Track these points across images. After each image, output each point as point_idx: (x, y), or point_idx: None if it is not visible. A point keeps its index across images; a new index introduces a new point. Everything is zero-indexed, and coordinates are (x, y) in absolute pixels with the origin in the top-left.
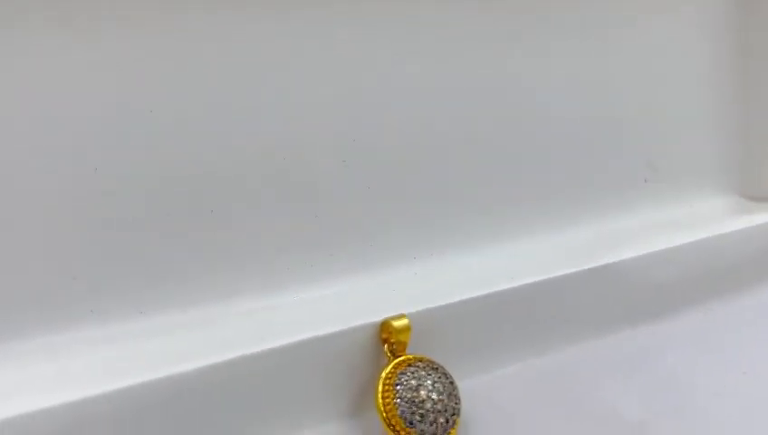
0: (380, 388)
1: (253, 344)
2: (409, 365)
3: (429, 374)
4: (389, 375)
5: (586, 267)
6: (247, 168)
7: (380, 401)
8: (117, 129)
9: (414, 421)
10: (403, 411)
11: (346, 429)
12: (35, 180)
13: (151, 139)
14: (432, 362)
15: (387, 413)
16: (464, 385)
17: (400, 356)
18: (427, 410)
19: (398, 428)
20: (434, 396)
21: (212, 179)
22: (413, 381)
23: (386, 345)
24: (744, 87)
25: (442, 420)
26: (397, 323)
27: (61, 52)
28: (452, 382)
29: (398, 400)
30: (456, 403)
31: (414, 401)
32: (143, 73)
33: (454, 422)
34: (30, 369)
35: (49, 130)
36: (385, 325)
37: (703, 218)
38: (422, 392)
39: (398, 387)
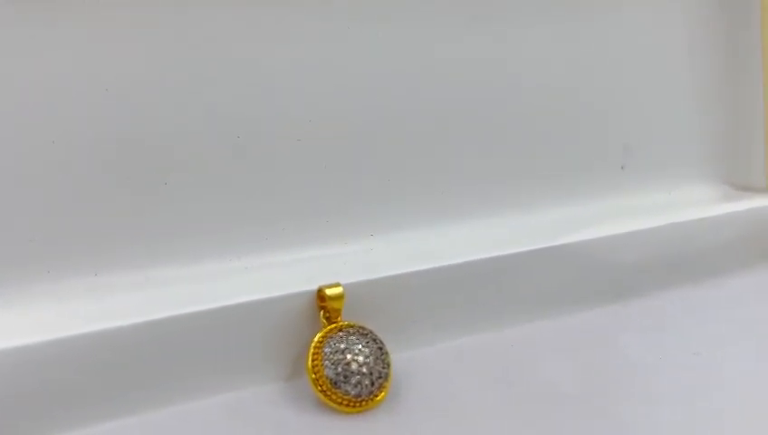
0: (311, 351)
1: (191, 304)
2: (340, 330)
3: (358, 339)
4: (321, 339)
5: (541, 247)
6: (202, 143)
7: (310, 363)
8: (74, 104)
9: (338, 382)
10: (329, 373)
11: (282, 390)
12: None
13: (107, 113)
14: (363, 329)
15: (315, 374)
16: (403, 356)
17: (334, 323)
18: (352, 372)
19: (324, 388)
20: (360, 359)
21: (167, 153)
22: (341, 345)
23: (322, 312)
24: (731, 72)
25: (367, 382)
26: (330, 291)
27: (17, 29)
28: (380, 348)
29: (326, 362)
30: (383, 368)
31: (340, 363)
32: (99, 51)
33: (380, 386)
34: None
35: (9, 105)
36: (320, 293)
37: (679, 205)
38: (348, 356)
39: (327, 350)
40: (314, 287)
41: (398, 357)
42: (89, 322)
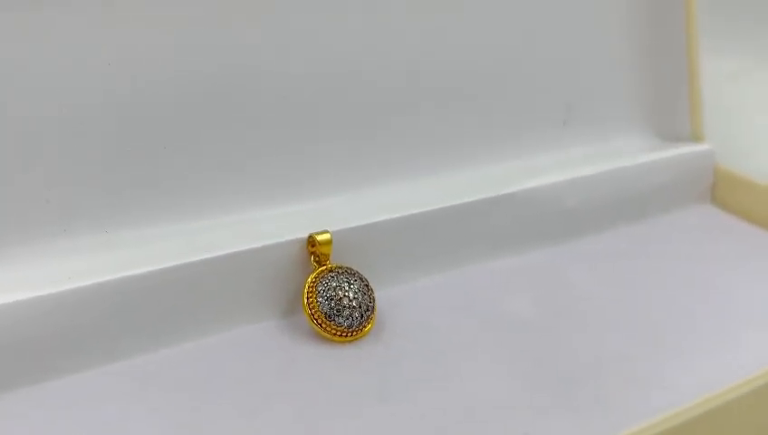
0: (306, 290)
1: (196, 254)
2: (330, 271)
3: (347, 278)
4: (314, 279)
5: (499, 193)
6: (194, 109)
7: (305, 300)
8: (82, 72)
9: (333, 315)
10: (323, 307)
11: (279, 326)
12: (12, 116)
13: (113, 76)
14: (350, 269)
15: (311, 310)
16: (384, 293)
17: (324, 265)
18: (344, 306)
19: (319, 321)
20: (350, 294)
21: (166, 119)
22: (333, 283)
23: (312, 257)
24: (657, 30)
25: (357, 314)
26: (320, 237)
27: (26, 12)
28: (366, 285)
29: (320, 298)
30: (370, 302)
31: (333, 298)
32: (101, 30)
33: (368, 317)
34: (7, 274)
35: (19, 71)
36: (311, 239)
37: (615, 154)
38: (339, 292)
39: (320, 288)
40: (304, 235)
41: (380, 294)
42: (101, 273)
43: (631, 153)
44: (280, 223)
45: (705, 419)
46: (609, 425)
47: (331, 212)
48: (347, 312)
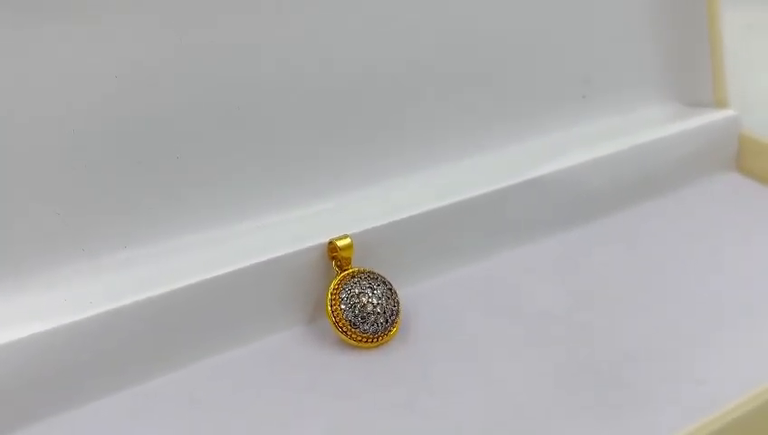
0: (329, 297)
1: (219, 268)
2: (353, 277)
3: (370, 283)
4: (336, 286)
5: (519, 180)
6: (206, 118)
7: (329, 307)
8: (89, 88)
9: (357, 323)
10: (348, 315)
11: (304, 333)
12: (17, 129)
13: (122, 93)
14: (372, 273)
15: (335, 317)
16: (406, 291)
17: (346, 270)
18: (369, 313)
19: (344, 329)
20: (374, 300)
21: (176, 130)
22: (356, 289)
23: (333, 262)
24: None
25: (382, 320)
26: (340, 243)
27: (30, 29)
28: (390, 288)
29: (344, 305)
30: (394, 305)
31: (357, 305)
32: (104, 42)
33: (393, 322)
34: (29, 300)
35: (30, 91)
36: (331, 245)
37: (637, 127)
38: (363, 298)
39: (343, 295)
40: (324, 240)
41: (403, 293)
42: (123, 295)
43: (653, 124)
44: (298, 227)
45: (751, 419)
46: (650, 426)
47: (350, 211)
48: (372, 318)
